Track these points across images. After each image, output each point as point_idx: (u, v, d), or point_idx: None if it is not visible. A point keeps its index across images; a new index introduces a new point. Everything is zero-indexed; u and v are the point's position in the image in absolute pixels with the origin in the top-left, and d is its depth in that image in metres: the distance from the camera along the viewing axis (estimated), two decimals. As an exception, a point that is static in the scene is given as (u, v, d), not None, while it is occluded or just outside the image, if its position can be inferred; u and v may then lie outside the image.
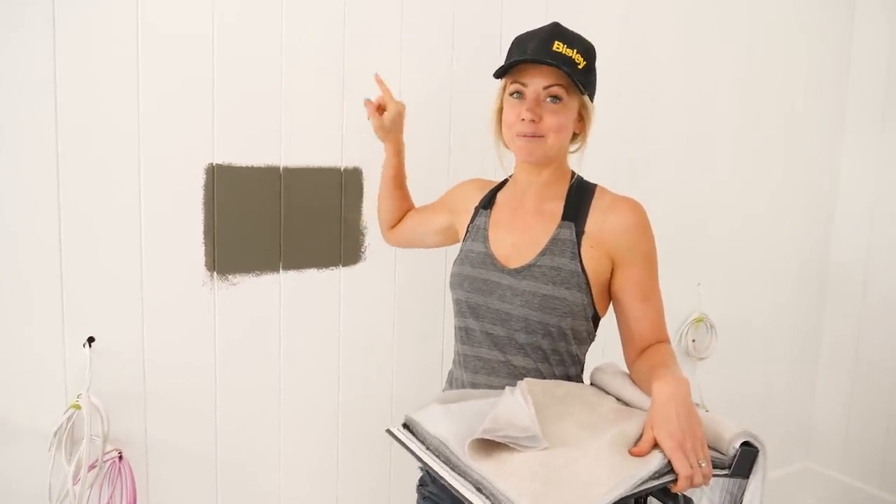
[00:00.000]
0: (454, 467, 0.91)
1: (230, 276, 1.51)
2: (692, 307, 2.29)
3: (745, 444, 0.94)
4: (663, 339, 1.17)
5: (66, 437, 1.34)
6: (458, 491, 0.88)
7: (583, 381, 1.22)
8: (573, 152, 1.23)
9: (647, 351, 1.14)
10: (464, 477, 0.89)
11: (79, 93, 1.32)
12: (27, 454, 1.34)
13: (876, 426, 2.46)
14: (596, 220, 1.15)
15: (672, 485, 0.91)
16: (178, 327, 1.47)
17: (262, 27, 1.49)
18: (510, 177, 1.29)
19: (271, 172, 1.53)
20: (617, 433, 0.95)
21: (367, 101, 1.41)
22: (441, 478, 0.91)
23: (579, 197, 1.18)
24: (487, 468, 0.87)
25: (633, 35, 2.02)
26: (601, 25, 1.94)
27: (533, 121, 1.11)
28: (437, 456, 0.95)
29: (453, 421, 0.98)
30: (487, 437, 0.89)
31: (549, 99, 1.12)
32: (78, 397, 1.34)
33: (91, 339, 1.38)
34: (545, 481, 0.83)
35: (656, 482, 0.90)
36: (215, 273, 1.49)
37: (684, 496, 1.03)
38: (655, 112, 2.10)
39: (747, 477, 0.96)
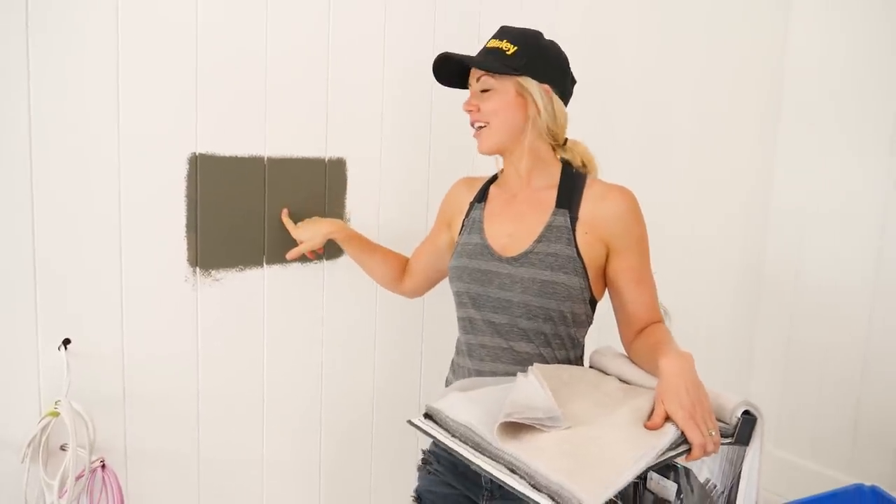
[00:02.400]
0: (484, 451, 0.94)
1: (213, 272, 1.44)
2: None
3: (745, 413, 1.01)
4: (657, 320, 1.22)
5: (41, 448, 1.25)
6: (492, 474, 0.90)
7: (583, 364, 1.26)
8: (544, 134, 1.23)
9: (644, 331, 1.19)
10: (495, 460, 0.91)
11: (55, 80, 1.22)
12: (-3, 467, 1.24)
13: (807, 406, 2.64)
14: (589, 206, 1.19)
15: (686, 455, 0.96)
16: (160, 326, 1.39)
17: (247, 15, 1.42)
18: (501, 170, 1.32)
19: (255, 163, 1.46)
20: (631, 409, 1.00)
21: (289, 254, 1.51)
22: (472, 463, 0.93)
23: (571, 185, 1.22)
24: (518, 449, 0.90)
25: (595, 39, 2.07)
26: (563, 22, 1.97)
27: (470, 111, 1.23)
28: (465, 442, 0.96)
29: (475, 407, 1.00)
30: (513, 420, 0.92)
31: (481, 91, 1.23)
32: (56, 404, 1.25)
33: (67, 341, 1.28)
34: (575, 458, 0.87)
35: (673, 452, 0.94)
36: (198, 268, 1.42)
37: (685, 467, 1.09)
38: (616, 108, 2.16)
39: (748, 444, 1.02)
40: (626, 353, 1.24)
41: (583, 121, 1.98)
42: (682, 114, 2.37)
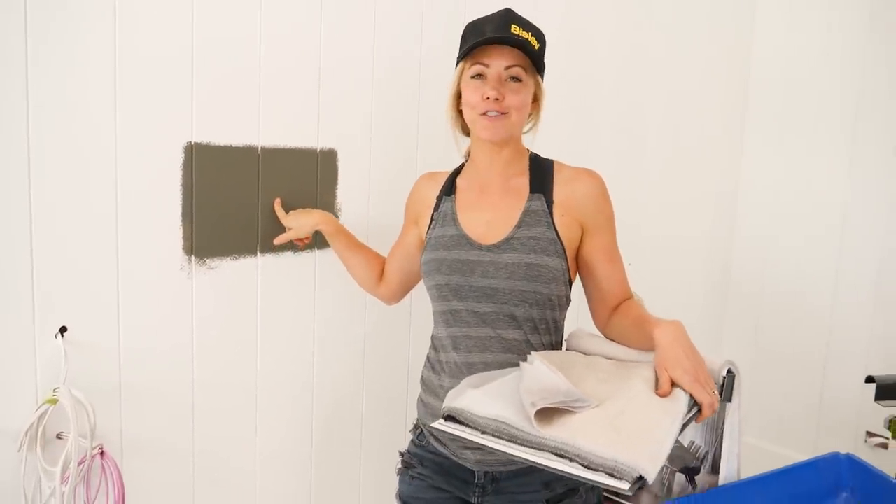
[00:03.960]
0: (524, 442, 0.93)
1: (208, 260, 1.45)
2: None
3: (728, 371, 1.08)
4: (630, 296, 1.27)
5: (39, 436, 1.24)
6: (539, 463, 0.90)
7: (562, 348, 1.29)
8: (526, 132, 1.30)
9: (619, 308, 1.24)
10: (538, 448, 0.91)
11: (51, 69, 1.22)
12: (-7, 456, 1.23)
13: (775, 394, 2.75)
14: (562, 189, 1.23)
15: (698, 416, 1.01)
16: (155, 314, 1.39)
17: (241, 7, 1.43)
18: (465, 162, 1.33)
19: (249, 152, 1.48)
20: (642, 380, 1.04)
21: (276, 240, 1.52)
22: (514, 457, 0.92)
23: (541, 171, 1.26)
24: (561, 434, 0.90)
25: (574, 35, 2.13)
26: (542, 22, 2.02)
27: (497, 99, 1.17)
28: (499, 436, 0.94)
29: (499, 400, 0.99)
30: (546, 406, 0.93)
31: (509, 79, 1.19)
32: (55, 391, 1.24)
33: (63, 329, 1.28)
34: (617, 432, 0.90)
35: (690, 415, 0.99)
36: (193, 257, 1.43)
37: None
38: (590, 103, 2.22)
39: (730, 400, 1.09)
40: (599, 333, 1.27)
41: (559, 120, 2.05)
42: (651, 115, 2.44)
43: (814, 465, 1.17)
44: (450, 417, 1.01)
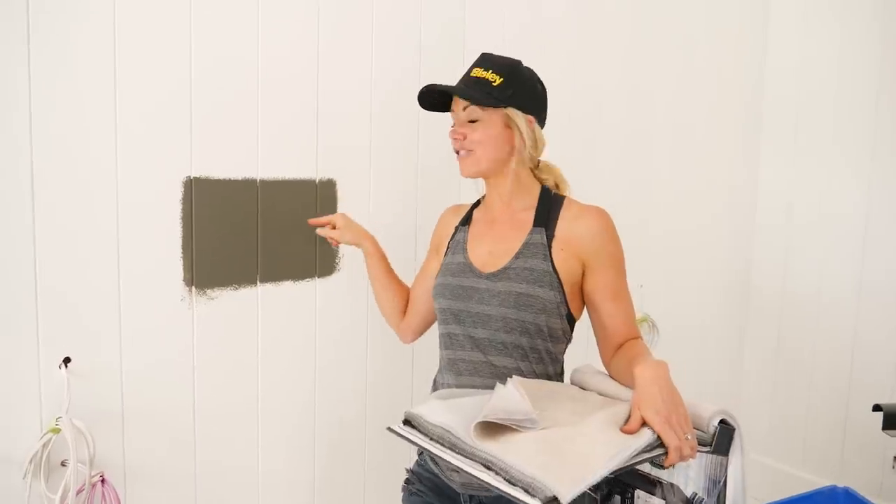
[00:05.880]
0: (460, 451, 0.96)
1: (208, 291, 1.49)
2: (636, 307, 2.42)
3: (722, 422, 1.03)
4: (635, 335, 1.26)
5: (43, 464, 1.29)
6: (467, 472, 0.93)
7: (563, 381, 1.29)
8: (530, 159, 1.30)
9: (622, 347, 1.23)
10: (471, 459, 0.95)
11: (54, 106, 1.28)
12: (-1, 483, 1.28)
13: (796, 414, 2.68)
14: (565, 225, 1.24)
15: (663, 458, 0.99)
16: (157, 344, 1.44)
17: (240, 45, 1.49)
18: (484, 195, 1.38)
19: (248, 185, 1.52)
20: (607, 414, 1.03)
21: (318, 229, 1.50)
22: (447, 462, 0.97)
23: (549, 206, 1.28)
24: (494, 447, 0.93)
25: (575, 47, 2.14)
26: (548, 26, 2.04)
27: (457, 139, 1.26)
28: (442, 444, 0.99)
29: (453, 411, 1.03)
30: (490, 420, 0.96)
31: (468, 121, 1.26)
32: (57, 420, 1.29)
33: (67, 360, 1.33)
34: (550, 455, 0.91)
35: (648, 455, 0.97)
36: (193, 287, 1.47)
37: (670, 483, 1.11)
38: (596, 118, 2.22)
39: (726, 454, 1.05)
40: (605, 371, 1.27)
41: (570, 132, 2.06)
42: (665, 122, 2.43)
43: (811, 499, 1.14)
44: (407, 422, 1.06)
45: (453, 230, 1.37)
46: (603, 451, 0.93)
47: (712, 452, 1.04)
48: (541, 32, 2.00)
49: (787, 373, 2.72)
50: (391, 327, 1.53)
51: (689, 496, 1.14)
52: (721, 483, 1.10)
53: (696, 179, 2.59)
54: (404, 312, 1.50)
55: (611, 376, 1.24)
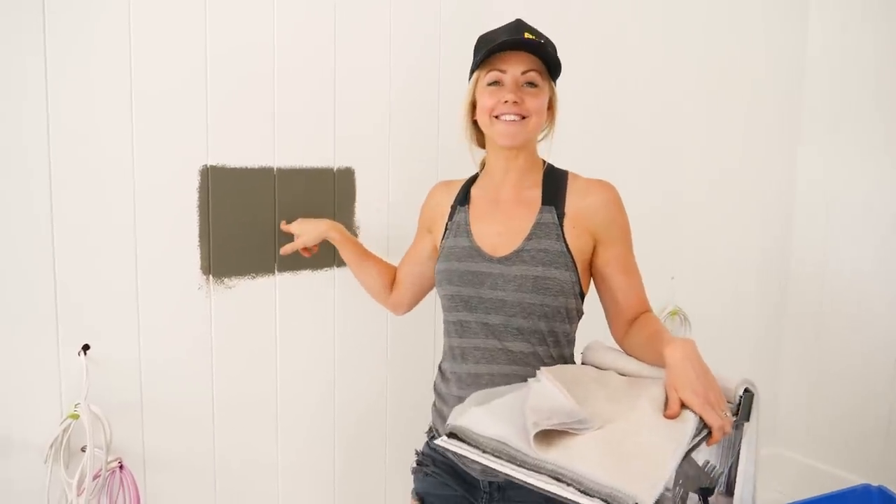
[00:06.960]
0: (522, 464, 0.92)
1: (226, 280, 1.49)
2: (666, 300, 2.36)
3: (745, 390, 1.04)
4: (647, 309, 1.24)
5: (63, 449, 1.30)
6: (537, 486, 0.89)
7: (575, 362, 1.26)
8: (541, 140, 1.29)
9: (636, 322, 1.20)
10: (536, 471, 0.90)
11: (71, 97, 1.29)
12: (21, 468, 1.30)
13: (837, 410, 2.58)
14: (574, 201, 1.21)
15: (708, 439, 0.97)
16: (175, 332, 1.44)
17: (256, 32, 1.48)
18: (480, 172, 1.34)
19: (265, 173, 1.52)
20: (649, 400, 1.00)
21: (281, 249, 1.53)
22: (513, 478, 0.91)
23: (554, 182, 1.25)
24: (557, 456, 0.89)
25: (606, 34, 2.09)
26: (576, 21, 1.99)
27: (516, 102, 1.17)
28: (499, 456, 0.94)
29: (501, 419, 0.98)
30: (546, 427, 0.91)
31: (526, 84, 1.19)
32: (76, 406, 1.31)
33: (86, 347, 1.34)
34: (616, 457, 0.88)
35: (699, 438, 0.95)
36: (211, 276, 1.47)
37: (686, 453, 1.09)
38: (627, 107, 2.17)
39: (748, 420, 1.04)
40: (617, 347, 1.24)
41: (604, 122, 2.01)
42: (701, 115, 2.37)
43: (844, 497, 1.10)
44: (453, 435, 1.01)
45: (449, 210, 1.32)
46: (667, 444, 0.91)
47: (737, 420, 1.03)
48: (570, 25, 1.96)
49: (827, 368, 2.62)
50: (379, 303, 1.53)
51: (701, 464, 1.12)
52: (735, 450, 1.08)
53: (731, 174, 2.51)
54: (389, 287, 1.49)
55: (625, 351, 1.21)
